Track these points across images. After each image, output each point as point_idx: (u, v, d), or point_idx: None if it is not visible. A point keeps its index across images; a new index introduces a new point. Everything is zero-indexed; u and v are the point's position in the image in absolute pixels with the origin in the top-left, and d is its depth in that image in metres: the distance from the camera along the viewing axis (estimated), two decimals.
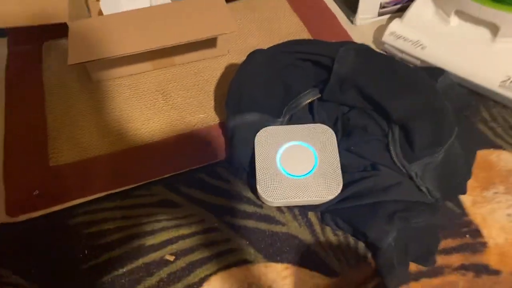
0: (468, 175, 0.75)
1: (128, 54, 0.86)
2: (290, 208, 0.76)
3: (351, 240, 0.72)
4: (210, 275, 0.69)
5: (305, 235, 0.73)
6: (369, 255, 0.70)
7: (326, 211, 0.73)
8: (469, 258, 0.70)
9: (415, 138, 0.72)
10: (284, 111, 0.81)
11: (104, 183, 0.81)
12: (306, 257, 0.71)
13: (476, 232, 0.73)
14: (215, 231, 0.74)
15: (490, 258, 0.70)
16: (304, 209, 0.76)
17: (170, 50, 0.96)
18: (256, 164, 0.75)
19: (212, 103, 0.92)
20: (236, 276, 0.69)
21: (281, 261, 0.71)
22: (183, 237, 0.73)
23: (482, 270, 0.68)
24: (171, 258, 0.71)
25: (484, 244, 0.71)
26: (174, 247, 0.72)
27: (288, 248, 0.72)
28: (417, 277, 0.68)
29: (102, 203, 0.78)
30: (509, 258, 0.70)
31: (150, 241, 0.73)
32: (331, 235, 0.73)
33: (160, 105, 0.92)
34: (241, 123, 0.78)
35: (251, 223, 0.75)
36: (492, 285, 0.67)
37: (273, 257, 0.71)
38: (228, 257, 0.71)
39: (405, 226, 0.67)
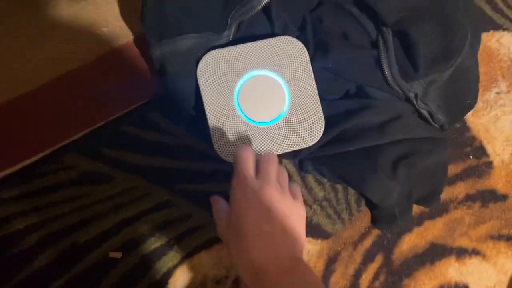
0: (477, 86, 0.60)
1: None
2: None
3: (339, 187, 0.60)
4: (175, 267, 0.55)
5: None
6: (363, 203, 0.59)
7: (306, 159, 0.58)
8: (474, 185, 0.61)
9: (418, 49, 0.53)
10: (229, 20, 0.56)
11: None
12: None
13: (480, 150, 0.62)
14: (167, 207, 0.57)
15: (497, 181, 0.61)
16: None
17: None
18: (205, 110, 0.54)
19: (116, 4, 0.63)
20: (208, 262, 0.56)
21: None
22: (126, 223, 0.56)
23: (488, 197, 0.61)
24: (118, 254, 0.55)
25: (489, 165, 0.62)
26: (118, 239, 0.56)
27: None
28: (419, 221, 0.59)
29: None
30: None
31: (83, 236, 0.55)
32: (315, 185, 0.59)
33: (37, 32, 0.60)
34: (173, 52, 0.54)
35: (213, 187, 0.58)
36: (500, 213, 0.60)
37: None
38: (192, 239, 0.56)
39: (411, 172, 0.55)
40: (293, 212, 0.45)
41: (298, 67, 0.56)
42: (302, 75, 0.56)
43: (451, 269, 0.58)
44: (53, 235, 0.55)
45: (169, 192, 0.57)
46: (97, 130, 0.58)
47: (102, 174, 0.57)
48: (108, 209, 0.56)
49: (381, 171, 0.53)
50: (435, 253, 0.58)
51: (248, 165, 0.46)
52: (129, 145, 0.58)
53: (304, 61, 0.56)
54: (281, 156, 0.59)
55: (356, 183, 0.54)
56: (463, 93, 0.58)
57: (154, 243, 0.56)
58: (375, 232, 0.58)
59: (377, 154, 0.54)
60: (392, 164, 0.54)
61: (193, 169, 0.58)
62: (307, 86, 0.55)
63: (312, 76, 0.55)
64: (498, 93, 0.64)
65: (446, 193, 0.60)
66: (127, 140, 0.58)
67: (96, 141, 0.58)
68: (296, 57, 0.56)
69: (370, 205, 0.57)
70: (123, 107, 0.60)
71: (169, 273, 0.55)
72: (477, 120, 0.63)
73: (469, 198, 0.60)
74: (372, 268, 0.57)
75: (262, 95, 0.55)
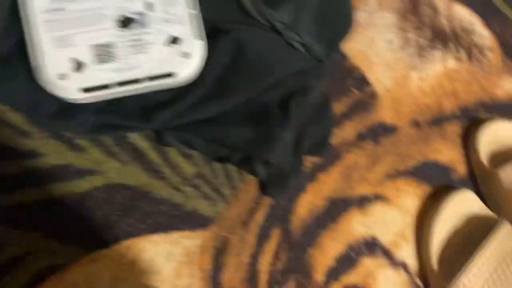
0: (350, 2, 0.50)
1: None
2: (95, 140, 0.43)
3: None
4: None
5: (138, 177, 0.43)
6: (245, 171, 0.47)
7: (165, 129, 0.42)
8: (362, 121, 0.54)
9: None
10: None
11: None
12: (151, 216, 0.43)
13: (362, 80, 0.55)
14: None
15: (384, 112, 0.55)
16: (125, 131, 0.44)
17: None
18: None
19: None
20: None
21: (111, 240, 0.42)
22: None
23: (379, 132, 0.54)
24: None
25: (374, 95, 0.55)
26: None
27: (117, 213, 0.42)
28: (312, 175, 0.50)
29: None
30: (401, 106, 0.56)
31: None
32: (181, 161, 0.45)
33: None
34: None
35: (30, 194, 0.40)
36: (393, 147, 0.54)
37: (97, 241, 0.41)
38: (12, 279, 0.38)
39: (300, 113, 0.44)
40: None
41: None
42: None
43: (356, 223, 0.51)
44: None
45: None
46: None
47: None
48: None
49: (274, 122, 0.42)
50: (336, 209, 0.50)
51: None
52: None
53: None
54: (124, 130, 0.43)
55: (247, 145, 0.42)
56: (338, 14, 0.49)
57: None
58: (266, 202, 0.48)
59: (263, 102, 0.42)
60: (281, 111, 0.43)
61: None
62: None
63: None
64: (366, 11, 0.57)
65: (336, 137, 0.52)
66: None
67: None
68: None
69: (256, 170, 0.46)
70: None
71: None
72: (353, 45, 0.55)
73: (360, 138, 0.53)
74: (270, 247, 0.47)
75: None
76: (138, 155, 0.45)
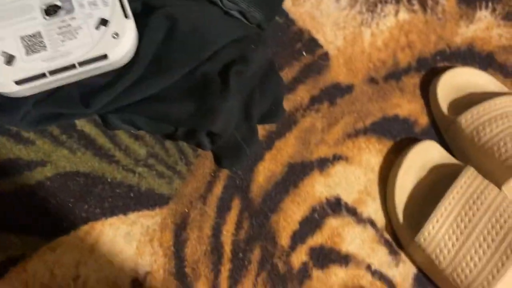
0: None
1: None
2: (42, 131, 0.43)
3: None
4: None
5: (90, 163, 0.44)
6: (193, 145, 0.47)
7: (108, 112, 0.43)
8: (316, 84, 0.53)
9: None
10: None
11: None
12: (107, 199, 0.44)
13: (312, 42, 0.54)
14: None
15: (338, 72, 0.54)
16: (67, 119, 0.44)
17: None
18: None
19: None
20: None
21: (69, 227, 0.42)
22: None
23: (334, 93, 0.54)
24: None
25: (325, 56, 0.54)
26: None
27: (72, 200, 0.43)
28: (269, 143, 0.50)
29: None
30: (354, 64, 0.55)
31: None
32: (131, 142, 0.46)
33: None
34: None
35: None
36: (350, 106, 0.54)
37: (55, 230, 0.42)
38: None
39: (242, 81, 0.43)
40: None
41: None
42: None
43: (318, 186, 0.51)
44: None
45: None
46: None
47: None
48: None
49: (214, 93, 0.42)
50: (296, 173, 0.50)
51: None
52: None
53: None
54: (68, 118, 0.44)
55: (190, 119, 0.42)
56: None
57: None
58: (224, 174, 0.48)
59: (203, 74, 0.43)
60: (222, 76, 0.43)
61: None
62: None
63: None
64: None
65: (289, 102, 0.52)
66: None
67: None
68: None
69: (201, 143, 0.46)
70: None
71: None
72: (299, 9, 0.55)
73: (314, 101, 0.53)
74: (231, 217, 0.47)
75: None
76: (87, 142, 0.46)
